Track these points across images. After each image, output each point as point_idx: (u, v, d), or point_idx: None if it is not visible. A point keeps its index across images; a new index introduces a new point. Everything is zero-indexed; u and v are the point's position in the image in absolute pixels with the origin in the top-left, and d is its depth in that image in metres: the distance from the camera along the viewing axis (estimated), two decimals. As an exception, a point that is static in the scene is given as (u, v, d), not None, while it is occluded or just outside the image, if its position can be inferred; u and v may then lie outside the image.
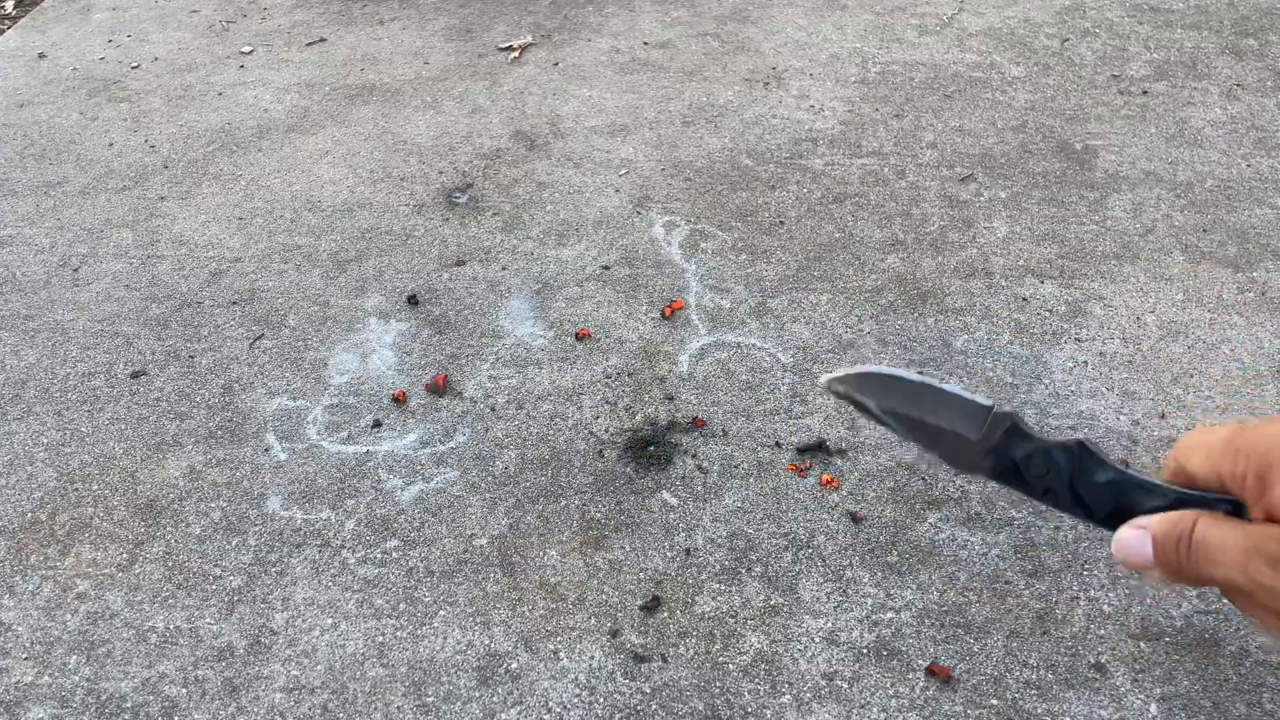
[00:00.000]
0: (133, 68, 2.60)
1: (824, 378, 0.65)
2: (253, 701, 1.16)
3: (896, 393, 0.62)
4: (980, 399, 0.59)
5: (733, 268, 1.78)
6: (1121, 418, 1.45)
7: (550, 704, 1.14)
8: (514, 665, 1.18)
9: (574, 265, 1.81)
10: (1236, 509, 0.49)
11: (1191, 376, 1.51)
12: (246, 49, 2.67)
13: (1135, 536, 0.50)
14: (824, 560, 1.28)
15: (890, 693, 1.13)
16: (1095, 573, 1.24)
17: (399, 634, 1.22)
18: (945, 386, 0.60)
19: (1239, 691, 1.12)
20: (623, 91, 2.35)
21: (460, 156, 2.14)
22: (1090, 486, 0.55)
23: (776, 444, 1.43)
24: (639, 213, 1.94)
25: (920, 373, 0.68)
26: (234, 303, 1.76)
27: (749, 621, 1.21)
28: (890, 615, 1.21)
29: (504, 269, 1.81)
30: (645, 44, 2.56)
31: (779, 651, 1.18)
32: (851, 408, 0.63)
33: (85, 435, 1.52)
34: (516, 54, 2.56)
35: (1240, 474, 0.47)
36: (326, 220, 1.97)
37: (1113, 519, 0.53)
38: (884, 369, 0.63)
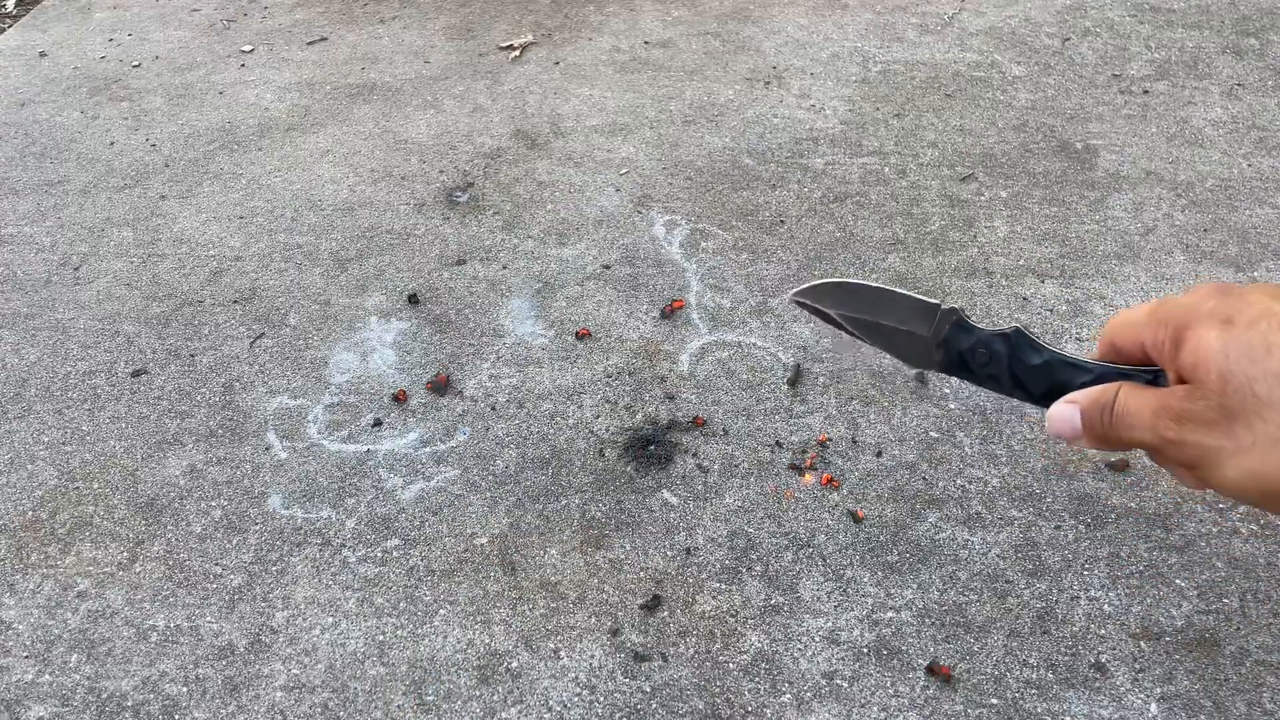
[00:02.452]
0: (133, 66, 2.60)
1: (788, 293, 0.71)
2: (253, 700, 1.16)
3: (853, 299, 0.67)
4: (928, 299, 0.64)
5: (733, 267, 1.78)
6: (1122, 417, 1.45)
7: (550, 703, 1.14)
8: (514, 664, 1.18)
9: (574, 264, 1.81)
10: (1157, 379, 0.53)
11: (1192, 376, 1.51)
12: (247, 48, 2.67)
13: (1065, 411, 0.55)
14: (824, 559, 1.28)
15: (890, 692, 1.13)
16: (1095, 572, 1.24)
17: (399, 633, 1.22)
18: (897, 290, 0.66)
19: (1239, 691, 1.12)
20: (623, 90, 2.35)
21: (461, 155, 2.14)
22: (1026, 370, 0.60)
23: (777, 443, 1.43)
24: (639, 212, 1.94)
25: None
26: (235, 301, 1.76)
27: (749, 621, 1.21)
28: (890, 614, 1.21)
29: (504, 268, 1.81)
30: (646, 43, 2.56)
31: (779, 650, 1.18)
32: (817, 320, 0.69)
33: (86, 434, 1.52)
34: (517, 53, 2.56)
35: (1159, 341, 0.51)
36: (327, 219, 1.97)
37: (1048, 398, 0.58)
38: (841, 279, 0.68)
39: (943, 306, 0.63)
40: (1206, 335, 0.48)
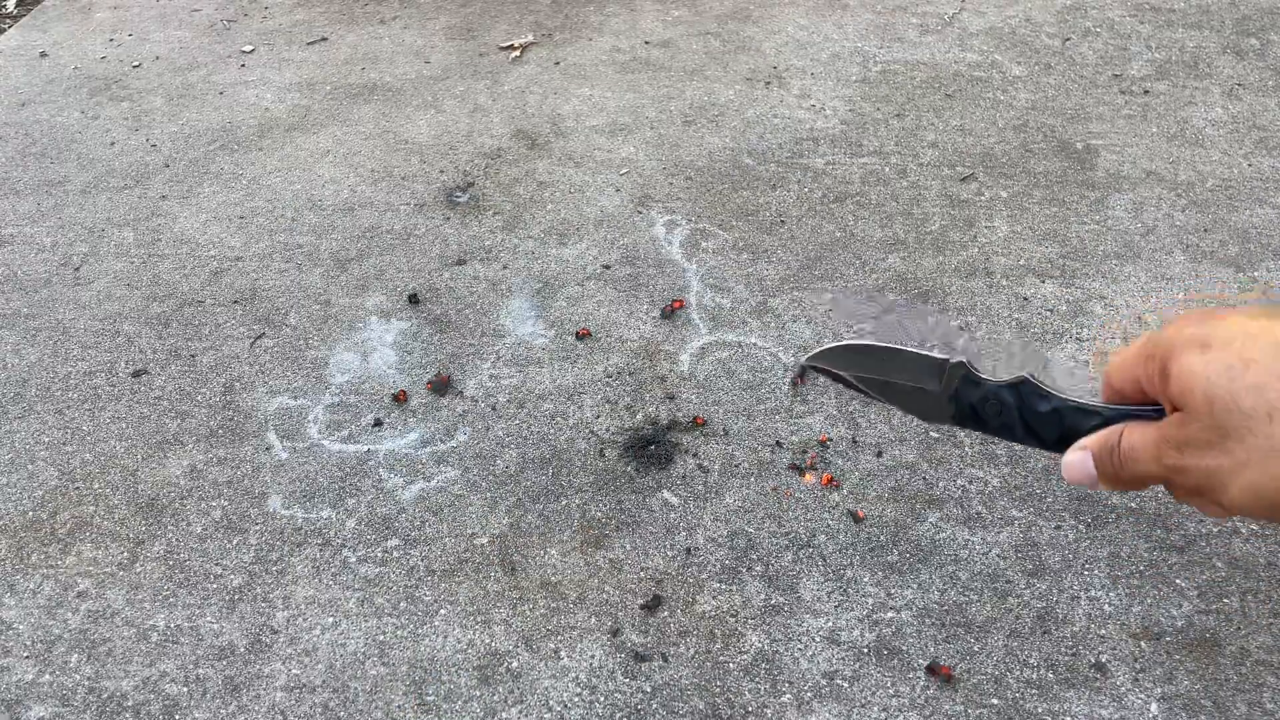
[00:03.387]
0: (134, 66, 2.60)
1: (803, 359, 0.75)
2: (254, 700, 1.16)
3: (864, 360, 0.69)
4: (936, 355, 0.65)
5: (734, 267, 1.78)
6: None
7: (551, 703, 1.14)
8: (515, 664, 1.18)
9: (575, 264, 1.81)
10: (1159, 416, 0.54)
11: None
12: (248, 48, 2.67)
13: (1078, 458, 0.57)
14: (824, 559, 1.28)
15: (891, 692, 1.13)
16: (1095, 572, 1.24)
17: (400, 633, 1.22)
18: (905, 348, 0.66)
19: (1239, 691, 1.12)
20: (624, 90, 2.35)
21: (461, 155, 2.14)
22: (1036, 417, 0.60)
23: (777, 443, 1.43)
24: (640, 212, 1.94)
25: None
26: (235, 302, 1.76)
27: (750, 621, 1.21)
28: (891, 614, 1.21)
29: (505, 268, 1.81)
30: (646, 43, 2.56)
31: (779, 651, 1.18)
32: (834, 383, 0.70)
33: (86, 434, 1.52)
34: (518, 53, 2.56)
35: (1150, 375, 0.53)
36: (327, 219, 1.97)
37: (1061, 444, 0.59)
38: (851, 342, 0.70)
39: (950, 362, 0.64)
40: (1188, 361, 0.49)
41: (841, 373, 0.70)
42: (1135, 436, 0.53)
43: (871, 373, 0.68)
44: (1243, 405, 0.46)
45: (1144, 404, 0.56)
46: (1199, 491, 0.50)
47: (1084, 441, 0.57)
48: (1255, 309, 0.50)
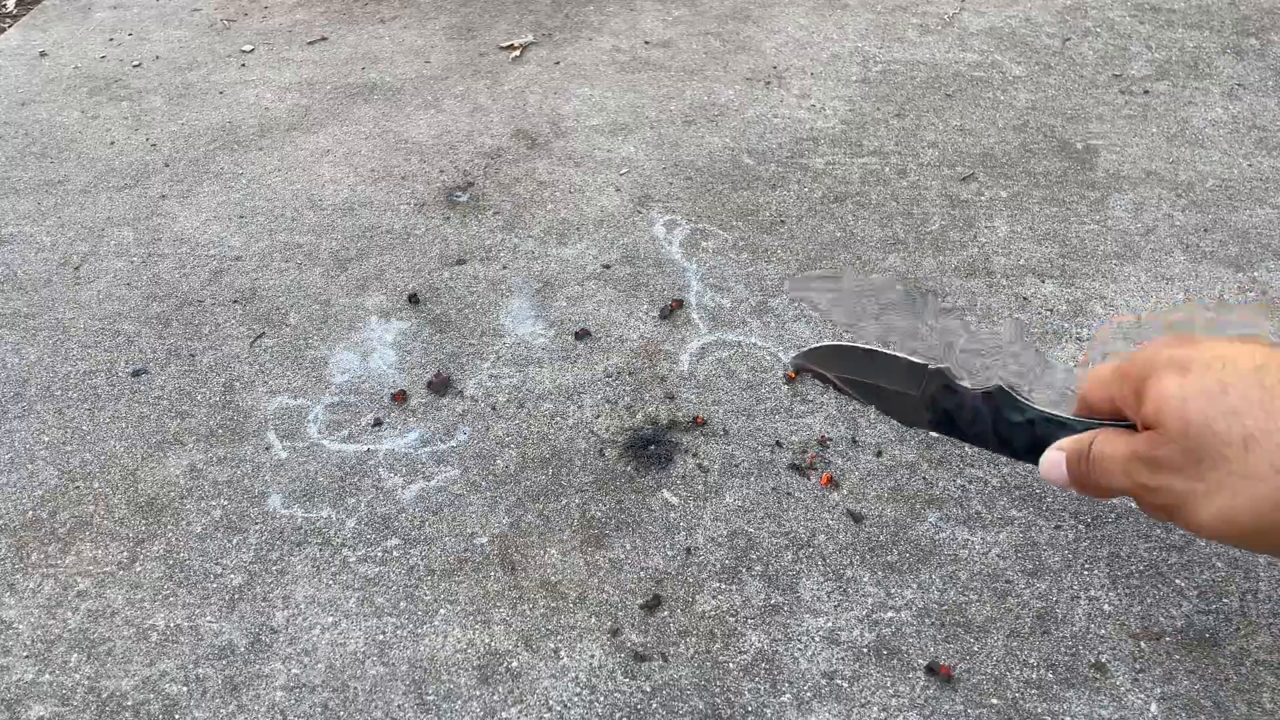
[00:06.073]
0: (134, 66, 2.60)
1: (790, 358, 0.83)
2: (253, 700, 1.16)
3: (849, 362, 0.72)
4: (917, 359, 0.67)
5: (734, 267, 1.78)
6: (1122, 417, 1.45)
7: (551, 703, 1.14)
8: (514, 664, 1.18)
9: (575, 264, 1.81)
10: (1134, 429, 0.55)
11: (1192, 376, 1.51)
12: (247, 48, 2.67)
13: (1054, 457, 0.59)
14: (824, 559, 1.28)
15: (890, 692, 1.13)
16: (1095, 572, 1.24)
17: (399, 632, 1.22)
18: (888, 351, 0.69)
19: (1239, 691, 1.12)
20: (624, 90, 2.35)
21: (461, 155, 2.14)
22: (1010, 427, 0.62)
23: (777, 443, 1.43)
24: (640, 212, 1.94)
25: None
26: (235, 301, 1.76)
27: (749, 620, 1.21)
28: (890, 614, 1.21)
29: (505, 268, 1.81)
30: (646, 43, 2.56)
31: (779, 650, 1.18)
32: (819, 383, 0.77)
33: (86, 433, 1.52)
34: (518, 53, 2.56)
35: (1125, 395, 0.54)
36: (327, 219, 1.97)
37: (1031, 453, 0.61)
38: (838, 343, 0.75)
39: (929, 367, 0.66)
40: (1165, 383, 0.50)
41: (827, 373, 0.73)
42: (1107, 446, 0.54)
43: (855, 374, 0.71)
44: (1216, 428, 0.46)
45: (1117, 420, 0.56)
46: (1168, 511, 0.50)
47: (1062, 442, 0.58)
48: (1234, 336, 0.51)
